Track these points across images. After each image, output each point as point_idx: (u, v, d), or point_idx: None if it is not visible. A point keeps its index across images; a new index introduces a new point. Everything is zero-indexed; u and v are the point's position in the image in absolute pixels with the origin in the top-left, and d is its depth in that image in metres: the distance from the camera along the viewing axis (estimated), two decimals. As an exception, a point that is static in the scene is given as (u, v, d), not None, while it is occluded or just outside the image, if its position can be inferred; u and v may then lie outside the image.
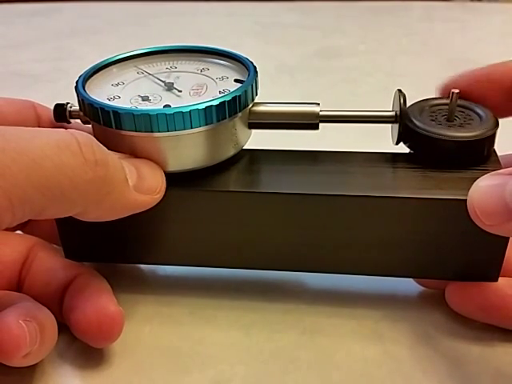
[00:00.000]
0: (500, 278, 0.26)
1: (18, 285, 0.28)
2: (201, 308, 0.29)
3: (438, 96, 0.28)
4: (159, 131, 0.24)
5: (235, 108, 0.25)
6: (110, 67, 0.28)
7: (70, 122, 0.27)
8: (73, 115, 0.27)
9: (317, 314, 0.28)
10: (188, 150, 0.25)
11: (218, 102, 0.24)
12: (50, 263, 0.28)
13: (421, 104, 0.28)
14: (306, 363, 0.26)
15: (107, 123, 0.24)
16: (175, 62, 0.29)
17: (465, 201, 0.23)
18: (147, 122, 0.23)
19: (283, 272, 0.29)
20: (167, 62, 0.29)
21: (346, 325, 0.28)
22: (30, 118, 0.28)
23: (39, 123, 0.28)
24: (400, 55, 0.47)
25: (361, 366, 0.26)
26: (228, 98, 0.24)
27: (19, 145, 0.20)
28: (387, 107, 0.27)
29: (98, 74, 0.27)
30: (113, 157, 0.23)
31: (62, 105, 0.27)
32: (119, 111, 0.24)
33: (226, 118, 0.25)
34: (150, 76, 0.28)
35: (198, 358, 0.27)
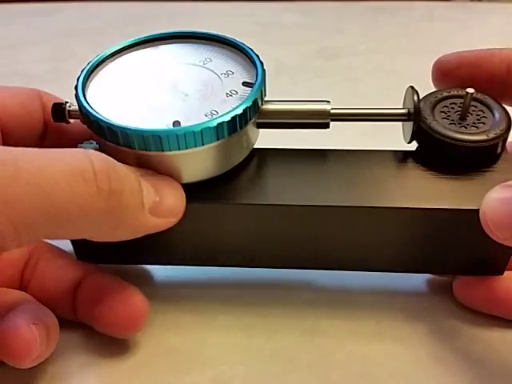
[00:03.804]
0: (506, 272, 0.27)
1: (21, 283, 0.28)
2: (201, 308, 0.29)
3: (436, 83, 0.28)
4: (170, 150, 0.23)
5: (246, 119, 0.24)
6: (106, 62, 0.27)
7: (68, 122, 0.27)
8: (72, 115, 0.26)
9: (317, 315, 0.28)
10: (199, 164, 0.24)
11: (229, 118, 0.23)
12: (58, 262, 0.28)
13: (431, 98, 0.27)
14: (307, 363, 0.26)
15: (115, 142, 0.23)
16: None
17: (476, 210, 0.23)
18: (157, 142, 0.23)
19: (283, 272, 0.29)
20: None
21: (346, 325, 0.28)
22: (35, 109, 0.27)
23: (44, 114, 0.27)
24: (400, 55, 0.47)
25: (361, 366, 0.26)
26: (239, 112, 0.23)
27: (31, 173, 0.19)
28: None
29: (95, 73, 0.26)
30: (130, 180, 0.22)
31: (61, 104, 0.26)
32: (128, 132, 0.23)
33: (237, 131, 0.24)
34: (151, 72, 0.26)
35: (198, 358, 0.27)
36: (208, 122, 0.23)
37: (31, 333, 0.23)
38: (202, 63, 0.27)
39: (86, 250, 0.28)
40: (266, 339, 0.27)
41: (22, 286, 0.28)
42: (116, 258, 0.28)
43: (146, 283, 0.30)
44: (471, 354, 0.26)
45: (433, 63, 0.28)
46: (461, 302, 0.28)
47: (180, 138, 0.23)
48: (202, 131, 0.23)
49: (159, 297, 0.29)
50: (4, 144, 0.26)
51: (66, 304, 0.27)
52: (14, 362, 0.24)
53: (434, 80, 0.29)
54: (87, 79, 0.26)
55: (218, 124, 0.23)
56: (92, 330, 0.27)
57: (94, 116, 0.23)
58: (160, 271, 0.31)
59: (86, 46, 0.49)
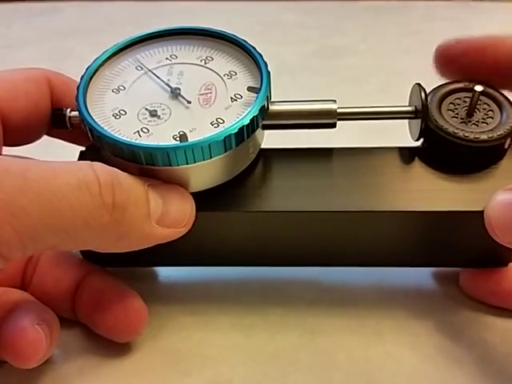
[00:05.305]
0: (510, 264, 0.27)
1: (22, 282, 0.27)
2: (201, 309, 0.29)
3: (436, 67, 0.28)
4: (178, 165, 0.23)
5: (253, 128, 0.24)
6: (106, 64, 0.26)
7: (68, 128, 0.26)
8: (72, 121, 0.26)
9: (317, 315, 0.28)
10: (206, 175, 0.24)
11: (236, 130, 0.23)
12: (60, 262, 0.28)
13: (438, 94, 0.27)
14: (307, 364, 0.26)
15: (121, 157, 0.23)
16: (174, 49, 0.27)
17: (481, 212, 0.23)
18: (165, 157, 0.22)
19: (283, 273, 0.29)
20: (165, 49, 0.27)
21: (346, 326, 0.28)
22: (41, 98, 0.26)
23: (52, 99, 0.26)
24: (401, 55, 0.47)
25: (362, 367, 0.26)
26: (246, 122, 0.23)
27: (39, 185, 0.20)
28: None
29: (95, 78, 0.25)
30: (136, 192, 0.22)
31: (61, 110, 0.26)
32: (134, 148, 0.22)
33: (244, 140, 0.24)
34: (152, 75, 0.26)
35: (197, 359, 0.27)
36: (215, 135, 0.23)
37: (37, 333, 0.23)
38: (203, 62, 0.26)
39: (91, 251, 0.28)
40: (266, 340, 0.27)
41: (23, 285, 0.27)
42: (121, 261, 0.28)
43: (145, 283, 0.30)
44: (472, 355, 0.26)
45: (434, 51, 0.28)
46: (467, 294, 0.28)
47: (188, 153, 0.22)
48: (209, 145, 0.22)
49: (159, 297, 0.29)
50: (7, 139, 0.25)
51: (65, 304, 0.27)
52: (20, 363, 0.24)
53: (437, 68, 0.28)
54: (87, 88, 0.25)
55: (225, 137, 0.23)
56: (91, 330, 0.27)
57: (99, 132, 0.23)
58: (160, 271, 0.31)
59: (85, 46, 0.49)
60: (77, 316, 0.27)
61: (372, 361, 0.26)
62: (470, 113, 0.26)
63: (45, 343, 0.24)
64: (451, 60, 0.27)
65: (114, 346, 0.27)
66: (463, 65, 0.27)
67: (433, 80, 0.28)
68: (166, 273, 0.31)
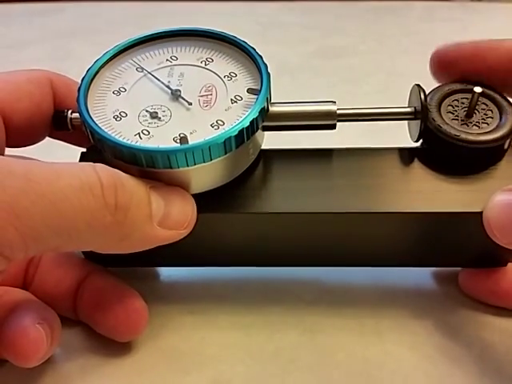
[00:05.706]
0: (510, 264, 0.27)
1: (24, 282, 0.28)
2: (201, 308, 0.29)
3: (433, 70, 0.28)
4: (178, 167, 0.23)
5: (253, 130, 0.24)
6: (107, 66, 0.26)
7: (70, 130, 0.26)
8: (74, 123, 0.26)
9: (317, 314, 0.28)
10: (207, 176, 0.24)
11: (236, 132, 0.23)
12: (61, 261, 0.28)
13: (437, 94, 0.27)
14: (307, 363, 0.26)
15: (121, 159, 0.23)
16: (174, 50, 0.27)
17: (480, 213, 0.23)
18: (166, 160, 0.22)
19: (283, 272, 0.29)
20: (165, 51, 0.27)
21: (346, 325, 0.28)
22: (44, 99, 0.26)
23: (55, 100, 0.26)
24: (400, 55, 0.47)
25: (361, 367, 0.26)
26: (246, 124, 0.23)
27: (41, 186, 0.20)
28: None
29: (96, 79, 0.25)
30: (138, 194, 0.22)
31: (62, 112, 0.26)
32: (135, 151, 0.22)
33: (244, 142, 0.24)
34: (152, 77, 0.26)
35: (198, 358, 0.27)
36: (215, 137, 0.23)
37: (38, 332, 0.24)
38: (203, 64, 0.26)
39: (93, 251, 0.28)
40: (266, 339, 0.27)
41: (25, 284, 0.28)
42: (122, 261, 0.28)
43: (146, 282, 0.30)
44: (471, 355, 0.26)
45: (431, 55, 0.28)
46: (467, 294, 0.28)
47: (188, 155, 0.22)
48: (210, 147, 0.23)
49: (160, 296, 0.29)
50: (9, 140, 0.25)
51: (67, 303, 0.27)
52: (21, 362, 0.24)
53: (433, 73, 0.28)
54: (88, 90, 0.25)
55: (225, 139, 0.23)
56: (92, 330, 0.27)
57: (100, 134, 0.23)
58: (161, 271, 0.31)
59: (86, 46, 0.49)
60: (78, 315, 0.27)
61: (371, 360, 0.26)
62: (470, 114, 0.26)
63: (46, 342, 0.24)
64: (446, 66, 0.27)
65: (115, 346, 0.27)
66: (459, 71, 0.27)
67: (432, 81, 0.28)
68: (166, 272, 0.31)
